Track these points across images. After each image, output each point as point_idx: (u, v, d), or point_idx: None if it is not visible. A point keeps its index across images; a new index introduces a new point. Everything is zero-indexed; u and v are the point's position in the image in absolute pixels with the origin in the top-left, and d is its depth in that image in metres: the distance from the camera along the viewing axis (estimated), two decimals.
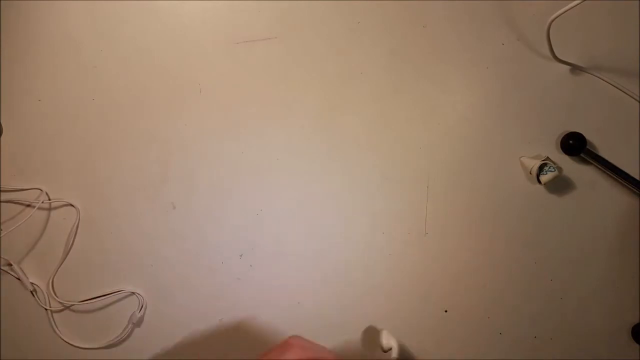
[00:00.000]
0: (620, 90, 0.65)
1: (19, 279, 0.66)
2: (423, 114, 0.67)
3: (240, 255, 0.67)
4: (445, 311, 0.66)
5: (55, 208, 0.68)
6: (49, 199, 0.67)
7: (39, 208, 0.67)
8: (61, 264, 0.67)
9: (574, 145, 0.63)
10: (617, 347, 0.65)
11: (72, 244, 0.67)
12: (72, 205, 0.67)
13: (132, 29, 0.69)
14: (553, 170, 0.62)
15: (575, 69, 0.66)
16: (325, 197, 0.67)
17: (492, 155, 0.66)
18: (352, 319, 0.66)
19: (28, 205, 0.67)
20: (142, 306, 0.66)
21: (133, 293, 0.67)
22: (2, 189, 0.67)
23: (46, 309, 0.66)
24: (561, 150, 0.65)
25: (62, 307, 0.67)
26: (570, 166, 0.65)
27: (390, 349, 0.59)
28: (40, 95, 0.69)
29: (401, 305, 0.66)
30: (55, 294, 0.66)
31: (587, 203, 0.65)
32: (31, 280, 0.66)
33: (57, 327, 0.66)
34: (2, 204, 0.67)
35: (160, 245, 0.67)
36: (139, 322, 0.66)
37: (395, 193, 0.67)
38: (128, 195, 0.68)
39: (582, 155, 0.64)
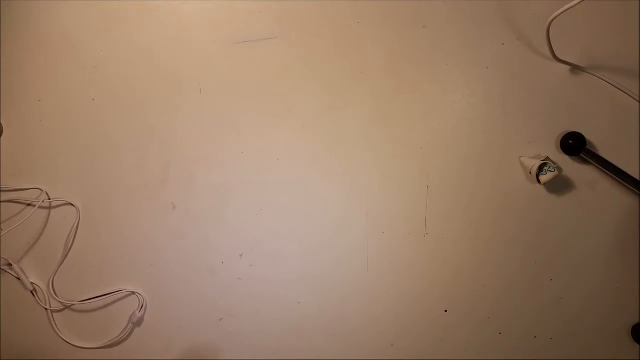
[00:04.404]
0: (620, 90, 0.65)
1: (19, 279, 0.66)
2: (423, 114, 0.67)
3: (240, 255, 0.67)
4: (445, 311, 0.66)
5: (55, 207, 0.68)
6: (49, 199, 0.67)
7: (40, 207, 0.67)
8: (61, 263, 0.67)
9: (574, 145, 0.63)
10: (617, 347, 0.65)
11: (72, 243, 0.67)
12: (72, 205, 0.67)
13: (132, 29, 0.69)
14: (553, 170, 0.62)
15: (575, 69, 0.66)
16: (325, 197, 0.67)
17: (492, 155, 0.66)
18: (352, 319, 0.66)
19: (28, 205, 0.67)
20: (142, 306, 0.66)
21: (133, 293, 0.67)
22: (2, 188, 0.67)
23: (46, 309, 0.66)
24: (561, 150, 0.65)
25: (62, 307, 0.67)
26: (570, 166, 0.65)
27: None
28: (40, 95, 0.69)
29: (401, 305, 0.66)
30: (55, 294, 0.66)
31: (587, 203, 0.65)
32: (31, 280, 0.66)
33: (57, 327, 0.66)
34: (2, 203, 0.67)
35: (160, 245, 0.67)
36: (139, 322, 0.66)
37: (395, 193, 0.67)
38: (128, 195, 0.68)
39: (582, 155, 0.64)
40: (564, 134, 0.65)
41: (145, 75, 0.69)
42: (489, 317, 0.66)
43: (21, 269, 0.66)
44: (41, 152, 0.68)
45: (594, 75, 0.65)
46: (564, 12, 0.58)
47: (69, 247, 0.67)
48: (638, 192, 0.64)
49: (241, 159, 0.68)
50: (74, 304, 0.66)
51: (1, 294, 0.67)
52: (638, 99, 0.65)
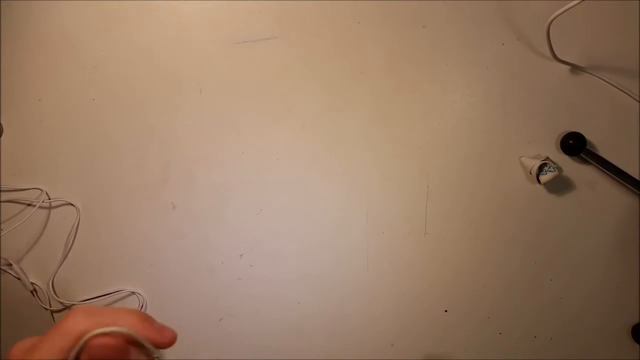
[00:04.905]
0: (620, 90, 0.65)
1: (19, 279, 0.66)
2: (423, 114, 0.67)
3: (240, 255, 0.67)
4: (445, 311, 0.66)
5: (55, 207, 0.68)
6: (49, 199, 0.67)
7: (40, 207, 0.67)
8: (61, 263, 0.67)
9: (574, 145, 0.63)
10: (617, 347, 0.65)
11: (72, 243, 0.67)
12: (72, 205, 0.67)
13: (132, 29, 0.69)
14: (553, 170, 0.62)
15: (575, 69, 0.66)
16: (325, 197, 0.67)
17: (492, 155, 0.66)
18: (352, 319, 0.66)
19: (28, 205, 0.67)
20: (142, 306, 0.66)
21: (133, 293, 0.67)
22: (2, 188, 0.67)
23: (46, 309, 0.66)
24: (561, 150, 0.65)
25: (62, 307, 0.67)
26: (570, 166, 0.65)
27: None
28: (40, 95, 0.69)
29: (401, 305, 0.66)
30: (55, 294, 0.66)
31: (587, 203, 0.65)
32: (31, 280, 0.66)
33: None
34: (2, 203, 0.67)
35: (160, 245, 0.67)
36: None
37: (395, 193, 0.67)
38: (128, 195, 0.68)
39: (582, 155, 0.64)
40: (564, 134, 0.65)
41: (145, 75, 0.69)
42: (489, 317, 0.66)
43: (21, 269, 0.66)
44: (41, 152, 0.68)
45: (594, 75, 0.65)
46: (564, 12, 0.58)
47: (69, 247, 0.67)
48: (638, 192, 0.64)
49: (241, 159, 0.68)
50: (74, 304, 0.66)
51: (1, 294, 0.67)
52: (638, 99, 0.65)
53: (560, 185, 0.65)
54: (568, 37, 0.65)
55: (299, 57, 0.68)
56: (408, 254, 0.66)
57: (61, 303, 0.66)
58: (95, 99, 0.69)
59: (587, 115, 0.66)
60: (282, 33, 0.68)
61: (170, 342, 0.33)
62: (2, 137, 0.68)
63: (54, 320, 0.66)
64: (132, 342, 0.30)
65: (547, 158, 0.63)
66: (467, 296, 0.66)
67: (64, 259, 0.67)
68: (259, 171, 0.67)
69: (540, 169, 0.62)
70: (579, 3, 0.56)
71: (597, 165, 0.64)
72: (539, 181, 0.63)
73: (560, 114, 0.66)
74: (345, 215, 0.67)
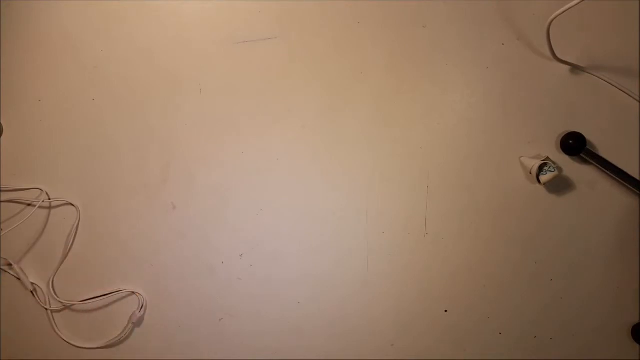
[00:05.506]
0: (620, 90, 0.65)
1: (19, 279, 0.66)
2: (423, 114, 0.67)
3: (240, 255, 0.67)
4: (445, 311, 0.66)
5: (55, 207, 0.68)
6: (49, 199, 0.67)
7: (40, 207, 0.67)
8: (61, 263, 0.67)
9: (574, 145, 0.63)
10: (617, 347, 0.65)
11: (72, 243, 0.67)
12: (72, 205, 0.67)
13: (132, 29, 0.69)
14: (553, 170, 0.62)
15: (575, 69, 0.66)
16: (325, 197, 0.67)
17: (492, 155, 0.66)
18: (352, 319, 0.66)
19: (28, 205, 0.67)
20: (142, 306, 0.66)
21: (133, 293, 0.67)
22: (2, 188, 0.67)
23: (46, 309, 0.66)
24: (561, 150, 0.65)
25: (62, 307, 0.67)
26: (570, 166, 0.65)
27: None
28: (40, 95, 0.69)
29: (401, 305, 0.66)
30: (55, 294, 0.66)
31: (587, 203, 0.65)
32: (31, 280, 0.66)
33: (57, 327, 0.66)
34: (2, 203, 0.67)
35: (160, 245, 0.67)
36: (139, 322, 0.66)
37: (395, 193, 0.67)
38: (128, 195, 0.68)
39: (582, 155, 0.64)
40: (564, 134, 0.65)
41: (145, 75, 0.69)
42: (488, 317, 0.66)
43: (21, 269, 0.66)
44: (41, 152, 0.68)
45: (594, 75, 0.65)
46: (564, 12, 0.58)
47: (69, 247, 0.67)
48: (638, 192, 0.64)
49: (241, 159, 0.68)
50: (74, 304, 0.66)
51: (1, 294, 0.67)
52: (638, 99, 0.65)
53: (560, 185, 0.65)
54: (568, 37, 0.65)
55: (299, 57, 0.68)
56: (408, 254, 0.66)
57: (61, 303, 0.66)
58: (95, 99, 0.69)
59: (587, 115, 0.66)
60: (282, 33, 0.68)
61: None
62: (2, 137, 0.68)
63: (53, 320, 0.66)
64: None
65: (547, 158, 0.63)
66: (467, 296, 0.66)
67: (64, 259, 0.67)
68: (259, 171, 0.67)
69: (540, 169, 0.62)
70: (579, 3, 0.56)
71: (597, 165, 0.64)
72: (539, 181, 0.63)
73: (560, 114, 0.66)
74: (345, 215, 0.67)
